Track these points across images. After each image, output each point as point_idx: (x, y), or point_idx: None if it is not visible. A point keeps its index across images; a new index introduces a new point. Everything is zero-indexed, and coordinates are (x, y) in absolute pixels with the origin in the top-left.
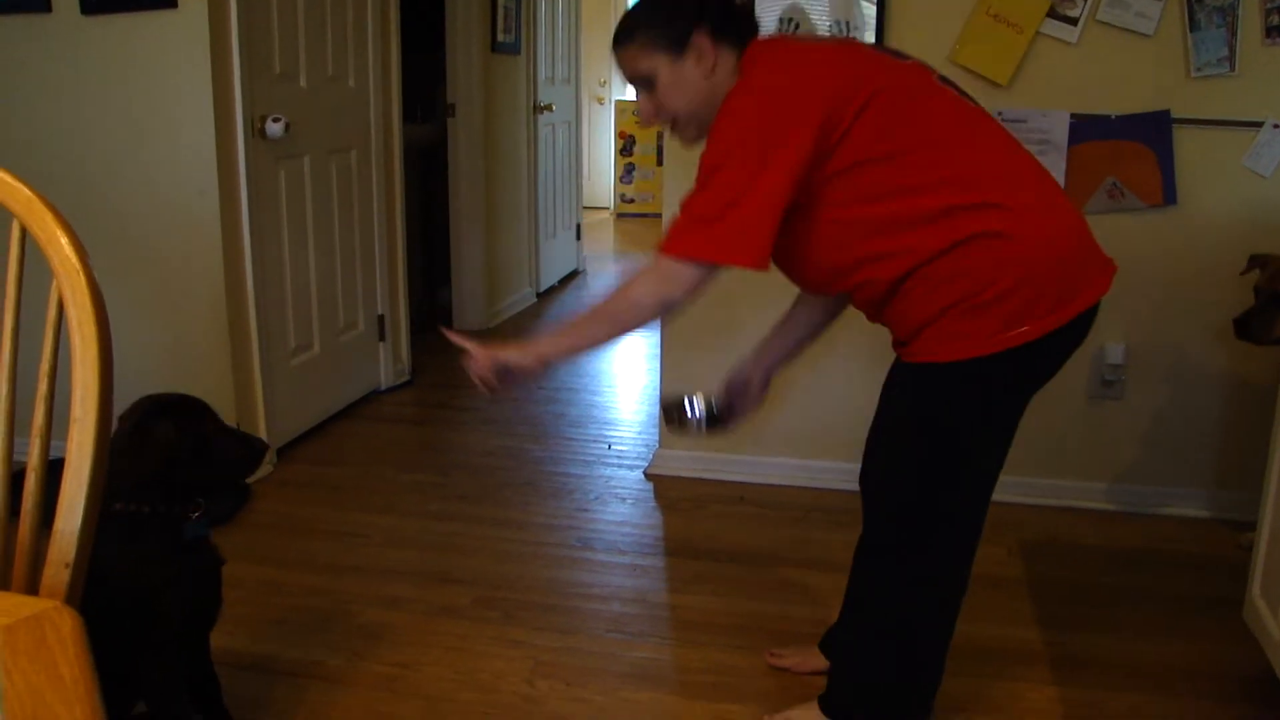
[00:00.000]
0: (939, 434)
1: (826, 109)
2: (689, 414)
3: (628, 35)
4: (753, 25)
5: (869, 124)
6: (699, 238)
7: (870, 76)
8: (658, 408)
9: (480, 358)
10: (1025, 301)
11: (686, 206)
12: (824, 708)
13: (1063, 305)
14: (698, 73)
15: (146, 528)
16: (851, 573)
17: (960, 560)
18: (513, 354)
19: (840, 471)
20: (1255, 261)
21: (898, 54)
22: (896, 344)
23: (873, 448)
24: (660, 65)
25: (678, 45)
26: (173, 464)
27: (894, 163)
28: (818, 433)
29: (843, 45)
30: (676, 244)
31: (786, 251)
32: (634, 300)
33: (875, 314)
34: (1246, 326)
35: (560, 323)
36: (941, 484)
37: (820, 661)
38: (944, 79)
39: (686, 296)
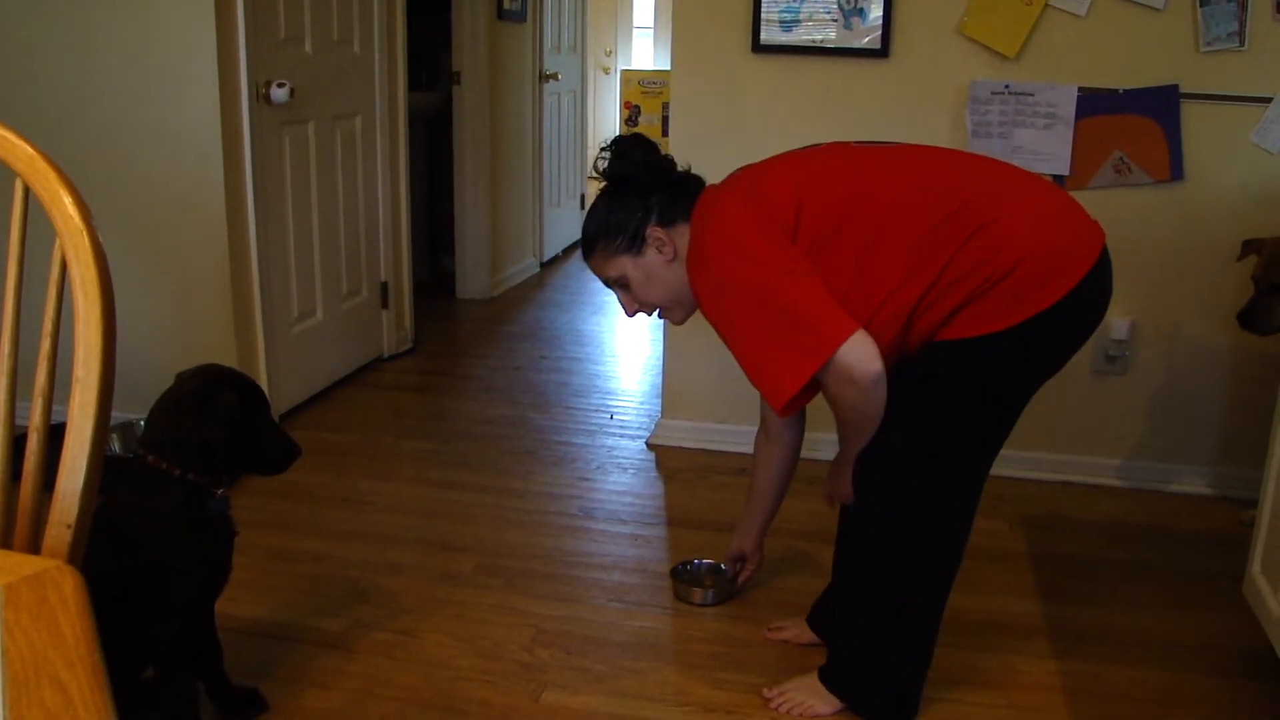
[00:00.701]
0: (951, 408)
1: (777, 224)
2: (697, 569)
3: (590, 248)
4: (698, 185)
5: (810, 223)
6: (802, 360)
7: (790, 191)
8: (670, 579)
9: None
10: (1027, 276)
11: (760, 359)
12: (824, 680)
13: (1060, 276)
14: (661, 260)
15: (170, 487)
16: (846, 546)
17: (960, 533)
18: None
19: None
20: (1249, 247)
21: (810, 147)
22: None
23: None
24: (626, 266)
25: (635, 245)
26: (223, 437)
27: (851, 227)
28: (818, 404)
29: (760, 175)
30: (790, 378)
31: None
32: (849, 410)
33: (893, 354)
34: (1250, 319)
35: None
36: (950, 456)
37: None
38: (863, 143)
39: (850, 389)
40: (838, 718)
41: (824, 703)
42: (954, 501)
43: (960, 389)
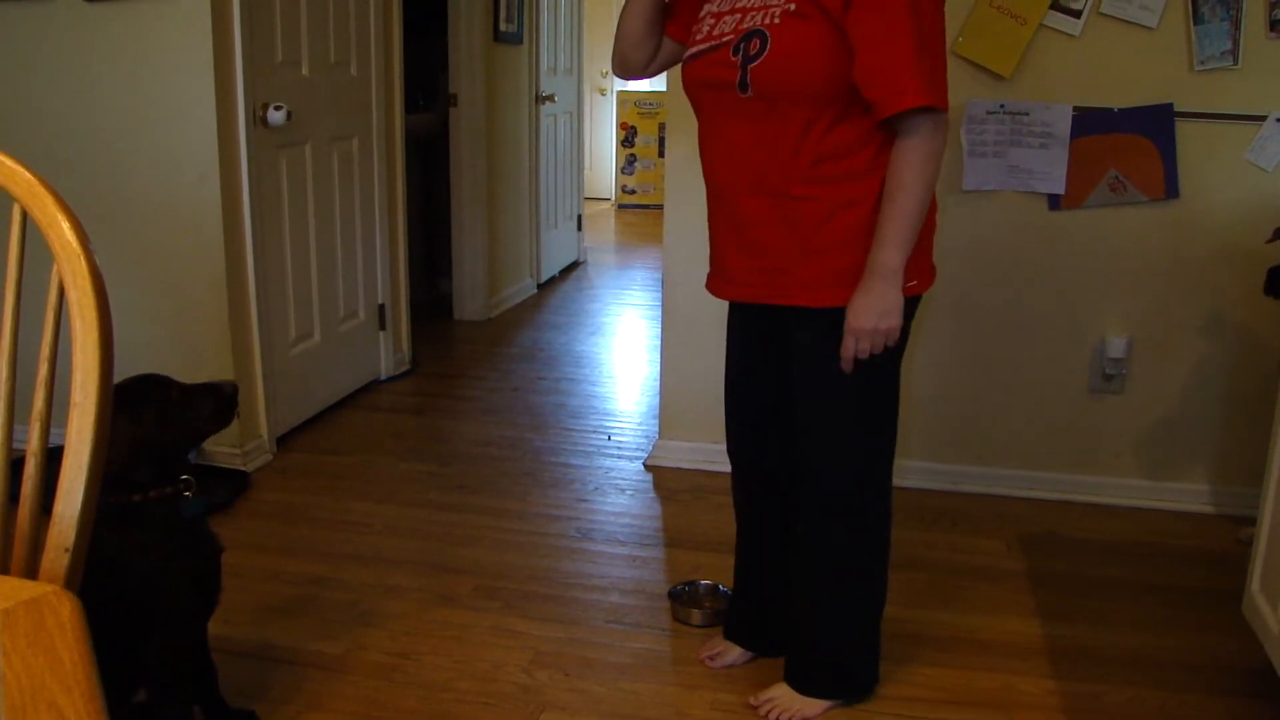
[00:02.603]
0: (873, 377)
1: None
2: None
3: None
4: None
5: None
6: (936, 90)
7: None
8: (669, 598)
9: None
10: (924, 256)
11: (912, 59)
12: (796, 685)
13: (931, 272)
14: None
15: (142, 515)
16: (794, 548)
17: (889, 510)
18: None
19: None
20: None
21: None
22: (782, 287)
23: (772, 411)
24: None
25: None
26: (138, 450)
27: None
28: None
29: None
30: (927, 95)
31: (760, 128)
32: (931, 161)
33: (797, 245)
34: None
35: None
36: (880, 428)
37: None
38: None
39: (940, 141)
40: (827, 715)
41: (811, 705)
42: (888, 476)
43: (883, 356)
